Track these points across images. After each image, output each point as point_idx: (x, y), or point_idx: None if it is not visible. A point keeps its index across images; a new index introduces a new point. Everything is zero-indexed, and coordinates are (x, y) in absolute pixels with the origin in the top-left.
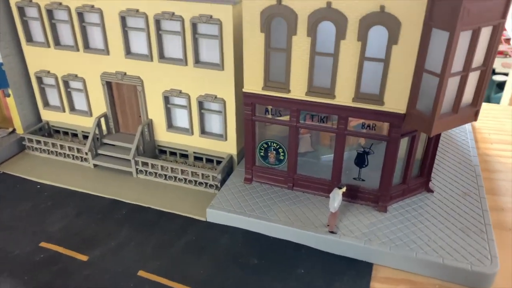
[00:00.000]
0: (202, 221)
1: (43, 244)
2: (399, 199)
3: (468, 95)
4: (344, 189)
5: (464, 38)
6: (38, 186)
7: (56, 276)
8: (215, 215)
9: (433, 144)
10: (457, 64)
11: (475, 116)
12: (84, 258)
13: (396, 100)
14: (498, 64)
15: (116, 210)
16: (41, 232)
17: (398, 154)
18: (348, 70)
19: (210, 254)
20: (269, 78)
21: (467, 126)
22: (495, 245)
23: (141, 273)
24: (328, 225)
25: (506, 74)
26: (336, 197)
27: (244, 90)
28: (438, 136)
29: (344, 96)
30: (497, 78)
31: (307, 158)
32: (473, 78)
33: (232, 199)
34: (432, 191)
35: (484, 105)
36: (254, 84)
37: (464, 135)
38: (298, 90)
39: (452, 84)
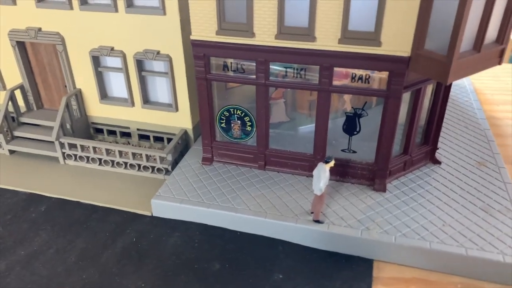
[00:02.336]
0: (147, 216)
1: None
2: (400, 174)
3: (491, 28)
4: (332, 163)
5: None
6: None
7: None
8: (163, 208)
9: (441, 101)
10: None
11: (499, 57)
12: None
13: (397, 39)
14: None
15: (33, 207)
16: None
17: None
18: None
19: (155, 260)
20: (224, 18)
21: (468, 85)
22: None
23: None
24: (312, 212)
25: None
26: (322, 174)
27: (191, 37)
28: (448, 90)
29: (327, 38)
30: None
31: (281, 130)
32: (499, 4)
33: (186, 185)
34: (439, 162)
35: None
36: (204, 28)
37: (467, 96)
38: (265, 32)
39: (474, 9)
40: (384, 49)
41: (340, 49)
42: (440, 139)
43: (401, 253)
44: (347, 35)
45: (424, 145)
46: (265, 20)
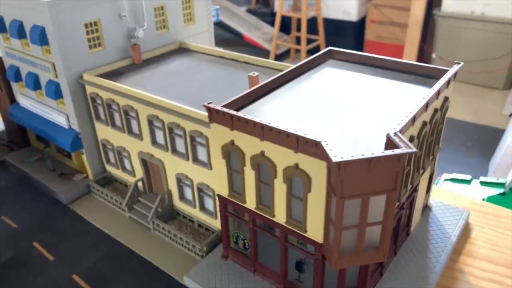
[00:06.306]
0: (183, 285)
1: (74, 276)
2: None
3: (374, 239)
4: None
5: (352, 204)
6: (89, 226)
7: None
8: (190, 283)
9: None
10: (352, 219)
11: (383, 257)
12: None
13: (315, 231)
14: None
15: (130, 260)
16: (76, 266)
17: None
18: (281, 200)
19: None
20: (233, 189)
21: (452, 236)
22: None
23: None
24: None
25: None
26: None
27: (216, 192)
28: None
29: (280, 217)
30: None
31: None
32: (375, 229)
33: (206, 271)
34: None
35: (493, 210)
36: (224, 190)
37: (442, 246)
38: (251, 203)
39: (349, 233)
40: (308, 234)
41: (287, 226)
42: (386, 284)
43: None
44: (290, 221)
45: None
46: (251, 196)
